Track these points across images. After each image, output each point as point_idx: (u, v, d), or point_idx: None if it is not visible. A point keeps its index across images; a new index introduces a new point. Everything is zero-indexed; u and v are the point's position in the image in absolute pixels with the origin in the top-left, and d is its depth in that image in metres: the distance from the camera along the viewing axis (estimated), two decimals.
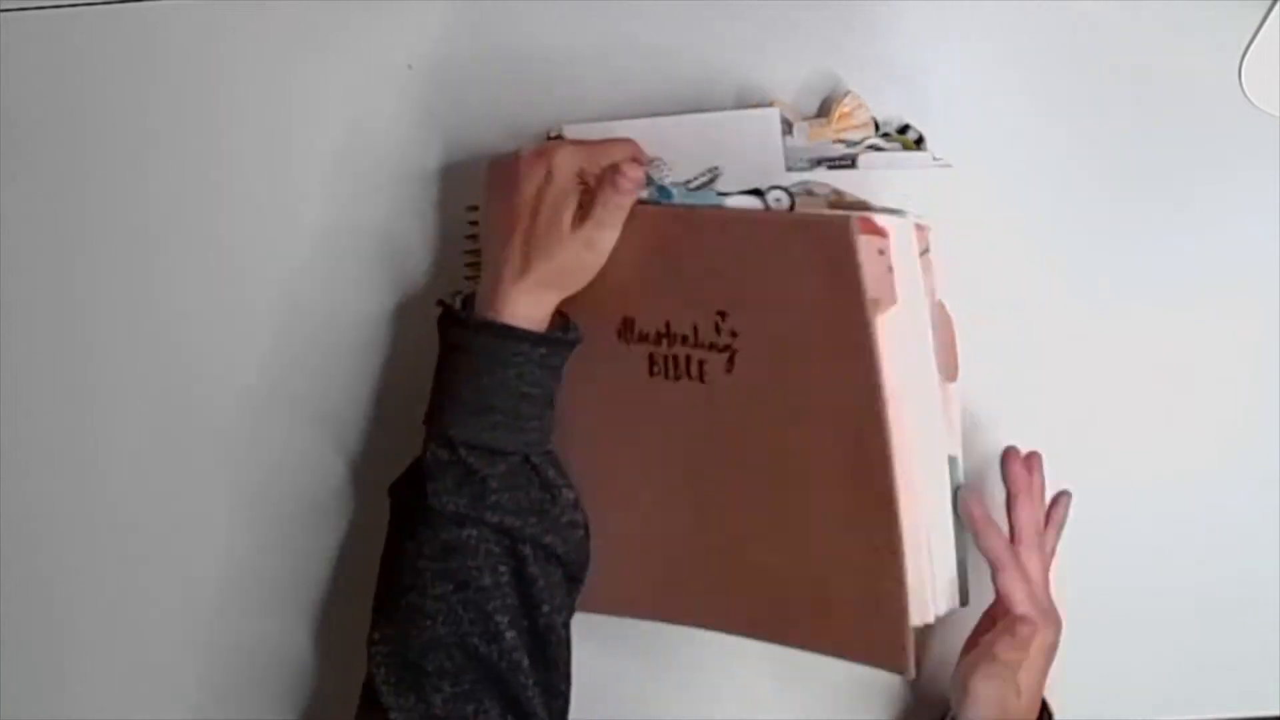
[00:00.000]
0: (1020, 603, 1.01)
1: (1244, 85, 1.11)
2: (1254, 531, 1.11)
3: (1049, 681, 1.05)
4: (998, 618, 1.02)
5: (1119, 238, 1.11)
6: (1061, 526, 1.06)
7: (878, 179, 1.05)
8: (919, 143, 1.07)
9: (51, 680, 1.14)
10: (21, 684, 1.13)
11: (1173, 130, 1.11)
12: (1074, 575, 1.09)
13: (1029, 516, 1.03)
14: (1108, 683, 1.11)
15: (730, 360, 1.01)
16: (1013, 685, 1.01)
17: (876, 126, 1.07)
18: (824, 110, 1.09)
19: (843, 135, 1.06)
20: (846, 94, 1.07)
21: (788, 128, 1.06)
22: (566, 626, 1.03)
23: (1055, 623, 1.02)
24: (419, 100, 1.10)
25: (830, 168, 1.06)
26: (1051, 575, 1.04)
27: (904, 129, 1.07)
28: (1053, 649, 1.02)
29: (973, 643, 1.05)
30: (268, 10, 1.10)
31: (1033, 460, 1.05)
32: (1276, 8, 1.10)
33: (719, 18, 1.09)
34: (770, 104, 1.06)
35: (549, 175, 1.01)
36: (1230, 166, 1.11)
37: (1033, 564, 1.02)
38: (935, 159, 1.06)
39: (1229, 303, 1.11)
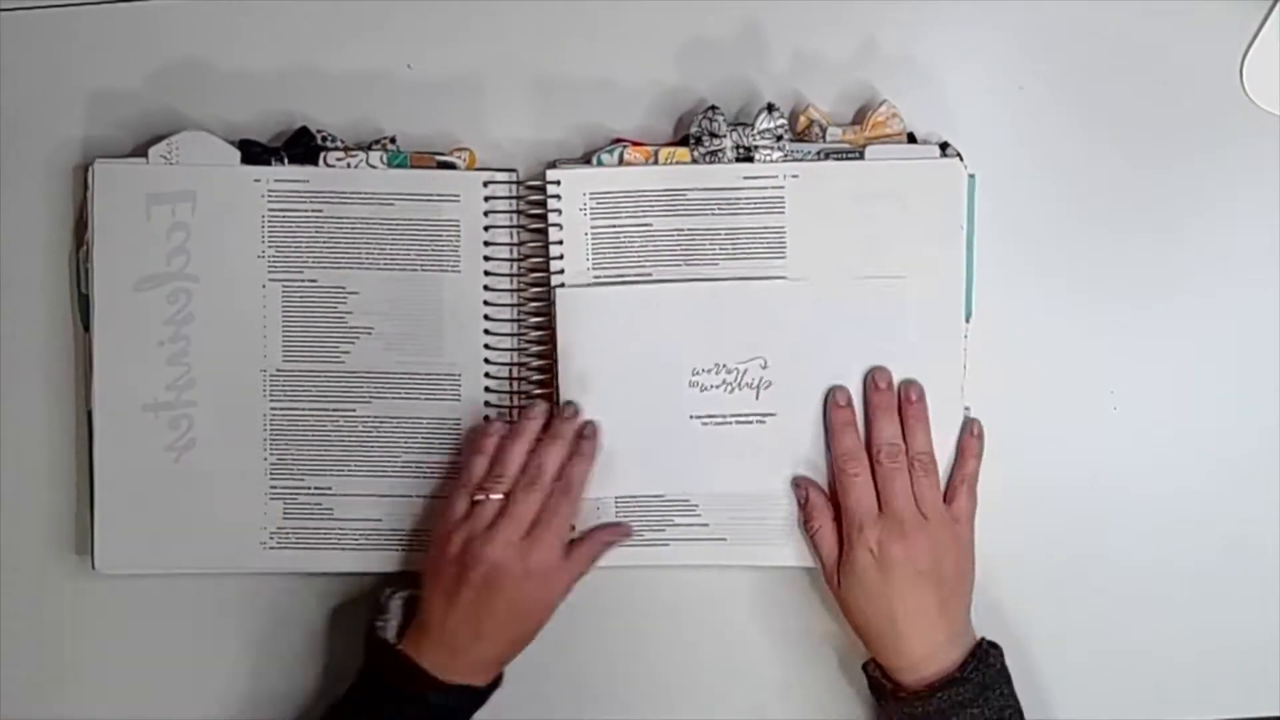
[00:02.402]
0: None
1: (1245, 85, 1.11)
2: (1254, 532, 1.12)
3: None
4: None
5: (1120, 236, 1.11)
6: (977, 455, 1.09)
7: (883, 170, 1.07)
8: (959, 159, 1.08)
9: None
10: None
11: (1174, 130, 1.11)
12: (1075, 576, 1.12)
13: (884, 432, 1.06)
14: (1108, 683, 1.12)
15: None
16: (858, 589, 1.04)
17: (912, 138, 1.09)
18: (859, 118, 1.10)
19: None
20: (883, 103, 1.08)
21: (820, 131, 1.08)
22: None
23: (899, 533, 1.04)
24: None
25: (838, 159, 1.07)
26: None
27: (944, 146, 1.08)
28: (902, 563, 1.04)
29: None
30: (268, 10, 1.10)
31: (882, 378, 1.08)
32: (1277, 8, 1.10)
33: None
34: None
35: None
36: (1231, 166, 1.11)
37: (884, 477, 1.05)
38: (947, 155, 1.07)
39: (1230, 302, 1.12)
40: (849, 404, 1.07)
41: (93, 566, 1.08)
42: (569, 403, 1.07)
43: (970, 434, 1.08)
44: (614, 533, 1.08)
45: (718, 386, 1.08)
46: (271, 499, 1.08)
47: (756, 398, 1.08)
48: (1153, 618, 1.12)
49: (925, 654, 1.03)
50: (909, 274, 1.07)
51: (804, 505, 1.08)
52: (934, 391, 1.08)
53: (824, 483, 1.08)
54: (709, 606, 1.12)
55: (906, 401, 1.07)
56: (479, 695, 1.04)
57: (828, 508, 1.07)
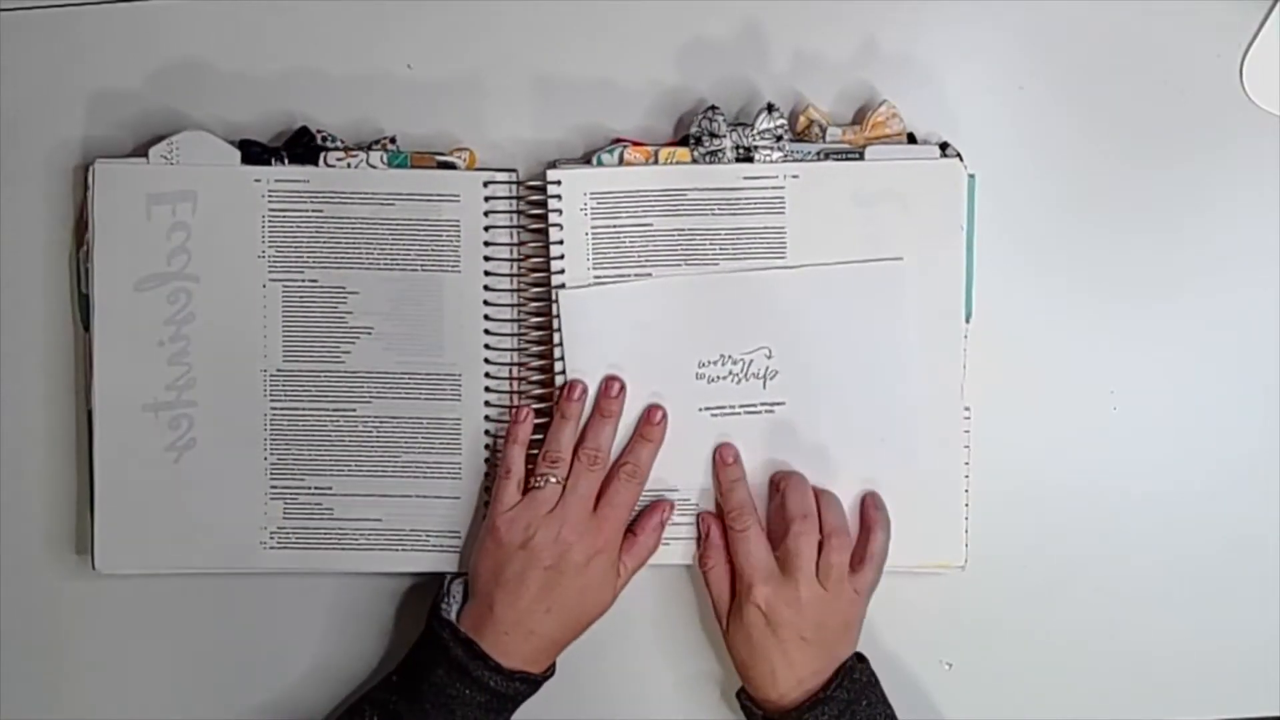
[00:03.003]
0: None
1: (1245, 85, 1.11)
2: (1254, 532, 1.13)
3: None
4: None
5: (1120, 236, 1.12)
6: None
7: (883, 170, 1.07)
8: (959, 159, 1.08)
9: None
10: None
11: (1174, 130, 1.12)
12: (1075, 576, 1.12)
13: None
14: (1108, 683, 1.13)
15: None
16: (744, 640, 1.06)
17: (912, 138, 1.09)
18: (859, 118, 1.10)
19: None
20: (883, 103, 1.09)
21: (820, 131, 1.08)
22: None
23: (794, 599, 1.04)
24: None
25: (838, 159, 1.07)
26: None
27: (944, 146, 1.08)
28: (773, 623, 1.05)
29: None
30: (268, 10, 1.10)
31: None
32: (1277, 8, 1.10)
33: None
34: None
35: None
36: (1231, 166, 1.12)
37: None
38: (947, 155, 1.07)
39: (1231, 302, 1.12)
40: (736, 461, 1.08)
41: (93, 566, 1.08)
42: (611, 378, 1.07)
43: (873, 506, 1.08)
44: (662, 510, 1.09)
45: (724, 378, 1.08)
46: (271, 499, 1.08)
47: (764, 387, 1.08)
48: (1153, 618, 1.13)
49: (796, 686, 1.05)
50: (909, 274, 1.07)
51: (703, 539, 1.08)
52: (934, 391, 1.08)
53: (832, 473, 1.09)
54: (708, 606, 1.11)
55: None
56: (535, 683, 1.04)
57: (725, 549, 1.08)
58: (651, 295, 1.07)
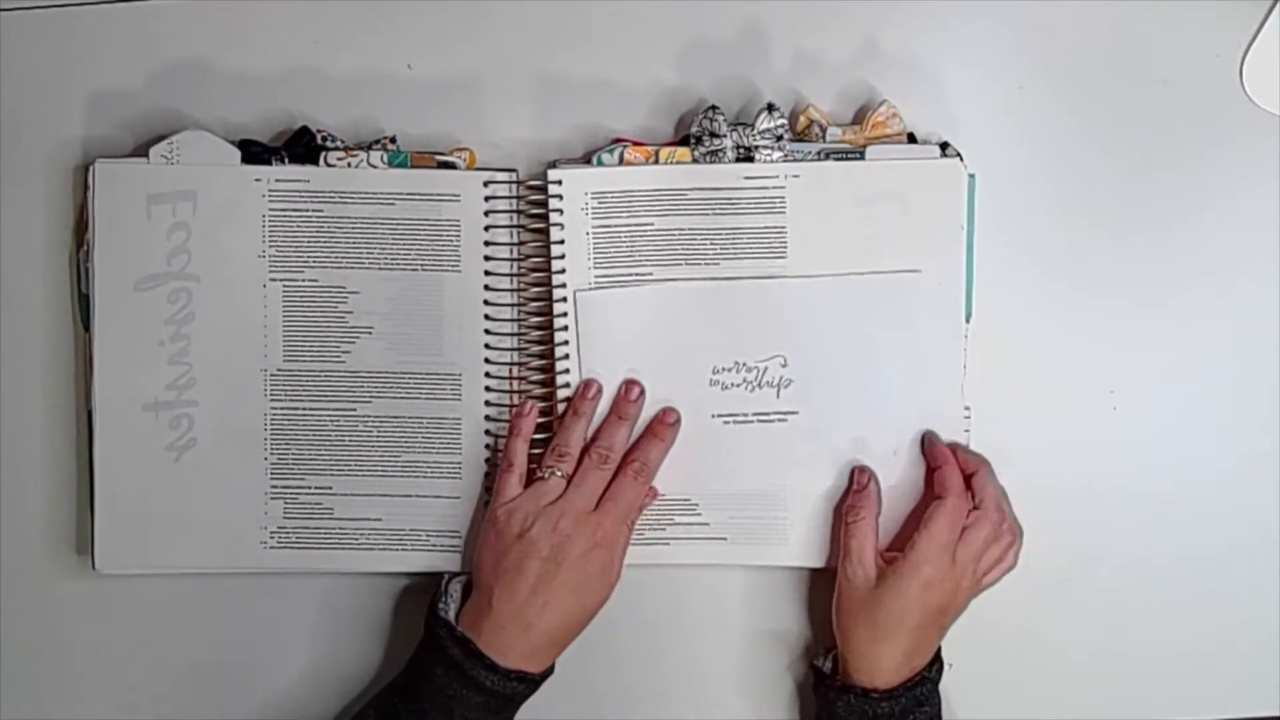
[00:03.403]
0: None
1: (1245, 85, 1.11)
2: (1254, 531, 1.13)
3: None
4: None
5: (1120, 236, 1.12)
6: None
7: (883, 170, 1.07)
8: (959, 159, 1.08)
9: None
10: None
11: (1174, 130, 1.12)
12: (1075, 576, 1.13)
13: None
14: (1108, 683, 1.13)
15: None
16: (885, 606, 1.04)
17: (912, 138, 1.09)
18: (859, 118, 1.10)
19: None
20: (883, 103, 1.09)
21: (820, 131, 1.08)
22: None
23: (953, 586, 1.04)
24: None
25: (839, 159, 1.07)
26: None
27: (944, 146, 1.08)
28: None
29: None
30: (268, 10, 1.10)
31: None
32: (1277, 8, 1.10)
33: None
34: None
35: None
36: (1232, 166, 1.12)
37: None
38: (947, 155, 1.07)
39: (1230, 302, 1.12)
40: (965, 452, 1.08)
41: (93, 566, 1.08)
42: (631, 381, 1.07)
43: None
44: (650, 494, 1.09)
45: (739, 385, 1.08)
46: (272, 499, 1.08)
47: (778, 396, 1.08)
48: (1153, 618, 1.13)
49: (905, 663, 1.04)
50: (909, 273, 1.07)
51: (858, 490, 1.07)
52: (934, 391, 1.08)
53: (844, 483, 1.09)
54: (709, 606, 1.12)
55: None
56: (533, 682, 1.04)
57: (878, 505, 1.07)
58: (668, 299, 1.07)
